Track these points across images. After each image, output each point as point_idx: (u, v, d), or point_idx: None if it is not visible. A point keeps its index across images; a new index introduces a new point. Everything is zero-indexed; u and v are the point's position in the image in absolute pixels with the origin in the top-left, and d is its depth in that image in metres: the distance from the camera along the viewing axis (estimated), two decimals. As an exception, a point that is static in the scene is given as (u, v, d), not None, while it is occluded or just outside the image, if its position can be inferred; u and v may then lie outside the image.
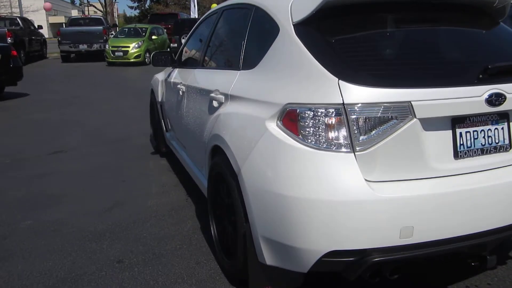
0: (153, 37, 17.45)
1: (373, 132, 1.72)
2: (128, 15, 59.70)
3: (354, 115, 1.70)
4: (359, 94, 1.70)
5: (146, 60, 16.55)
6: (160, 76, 4.57)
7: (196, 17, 22.83)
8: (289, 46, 1.98)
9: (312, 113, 1.75)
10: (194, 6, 23.91)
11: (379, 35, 1.97)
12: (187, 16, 24.14)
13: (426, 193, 1.74)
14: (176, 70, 3.93)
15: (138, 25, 18.46)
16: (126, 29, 18.27)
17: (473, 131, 1.85)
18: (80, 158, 4.76)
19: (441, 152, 1.81)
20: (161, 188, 3.80)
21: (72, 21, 18.85)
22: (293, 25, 2.00)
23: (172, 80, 3.89)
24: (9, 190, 3.84)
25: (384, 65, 1.84)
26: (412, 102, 1.70)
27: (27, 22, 18.21)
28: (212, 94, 2.57)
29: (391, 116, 1.71)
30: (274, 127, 1.87)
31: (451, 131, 1.82)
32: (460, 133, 1.84)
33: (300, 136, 1.78)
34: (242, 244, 2.09)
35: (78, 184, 3.92)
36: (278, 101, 1.88)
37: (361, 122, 1.71)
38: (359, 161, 1.71)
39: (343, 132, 1.71)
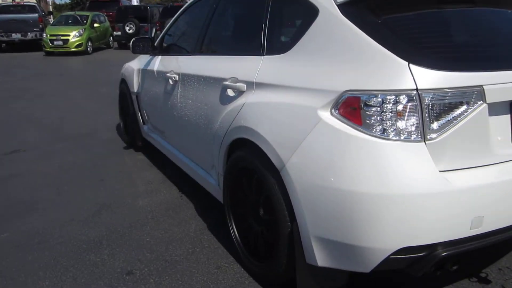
0: (95, 25, 16.43)
1: (445, 119, 1.59)
2: (57, 2, 55.92)
3: (428, 101, 1.55)
4: (432, 79, 1.55)
5: (88, 49, 15.60)
6: (134, 65, 4.19)
7: (138, 3, 21.89)
8: (336, 28, 1.79)
9: (380, 100, 1.58)
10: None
11: (442, 15, 1.83)
12: (129, 2, 23.03)
13: (494, 180, 1.65)
14: (159, 58, 3.60)
15: (78, 13, 17.27)
16: (65, 17, 17.03)
17: None
18: (44, 157, 4.28)
19: (501, 137, 1.73)
20: (148, 186, 3.48)
21: (2, 8, 17.17)
22: (337, 5, 1.81)
23: (155, 69, 3.55)
24: (-31, 197, 3.34)
25: (453, 46, 1.72)
26: (484, 86, 1.60)
27: None
28: (227, 83, 2.33)
29: (463, 101, 1.59)
30: (329, 117, 1.68)
31: (509, 115, 1.74)
32: None
33: (364, 126, 1.61)
34: (285, 246, 1.90)
35: (50, 187, 3.49)
36: (332, 88, 1.69)
37: (433, 108, 1.57)
38: (430, 150, 1.58)
39: (415, 119, 1.57)
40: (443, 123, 1.59)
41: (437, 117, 1.58)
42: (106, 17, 18.47)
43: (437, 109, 1.58)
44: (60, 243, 2.59)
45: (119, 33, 17.37)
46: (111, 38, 18.17)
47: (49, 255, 2.47)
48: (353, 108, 1.63)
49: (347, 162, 1.62)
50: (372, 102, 1.59)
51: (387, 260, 1.61)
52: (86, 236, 2.67)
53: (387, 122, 1.58)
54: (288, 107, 1.84)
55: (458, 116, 1.59)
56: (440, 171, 1.58)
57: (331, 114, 1.68)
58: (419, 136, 1.58)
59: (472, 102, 1.59)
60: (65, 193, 3.37)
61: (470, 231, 1.61)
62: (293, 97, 1.84)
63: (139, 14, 17.21)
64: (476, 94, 1.59)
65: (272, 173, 1.89)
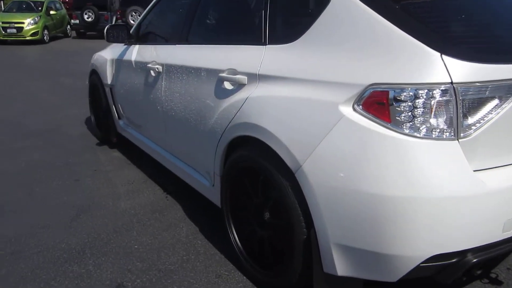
0: (51, 12, 15.57)
1: (477, 115, 1.48)
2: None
3: (463, 96, 1.44)
4: (467, 71, 1.44)
5: (45, 38, 14.78)
6: (106, 54, 3.89)
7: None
8: (353, 15, 1.64)
9: (412, 94, 1.45)
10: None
11: (471, 2, 1.72)
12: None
13: None
14: (136, 47, 3.33)
15: (31, -2, 16.27)
16: (17, 3, 16.00)
17: None
18: (9, 155, 3.92)
19: None
20: (129, 186, 3.23)
21: None
22: None
23: (132, 59, 3.29)
24: None
25: (485, 36, 1.61)
26: (516, 79, 1.50)
27: None
28: (223, 75, 2.14)
29: (496, 96, 1.49)
30: (352, 113, 1.54)
31: None
32: None
33: (393, 123, 1.48)
34: (300, 253, 1.75)
35: (20, 189, 3.17)
36: (355, 81, 1.55)
37: (467, 104, 1.46)
38: (463, 149, 1.47)
39: (448, 116, 1.45)
40: (476, 120, 1.48)
41: (470, 113, 1.48)
42: (62, 4, 17.56)
43: (471, 104, 1.47)
44: (37, 253, 2.33)
45: (77, 21, 16.54)
46: (68, 26, 17.30)
47: (26, 268, 2.21)
48: (381, 103, 1.49)
49: (374, 162, 1.48)
50: (403, 97, 1.46)
51: (417, 268, 1.50)
52: (66, 244, 2.42)
53: (419, 118, 1.46)
54: (303, 103, 1.68)
55: (491, 111, 1.49)
56: (473, 171, 1.48)
57: (354, 110, 1.54)
58: (452, 134, 1.46)
59: (504, 97, 1.50)
60: (37, 195, 3.07)
61: (502, 235, 1.53)
62: (307, 91, 1.68)
63: (97, 2, 16.39)
64: (508, 88, 1.49)
65: (285, 174, 1.74)
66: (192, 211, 2.82)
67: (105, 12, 16.35)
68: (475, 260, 1.52)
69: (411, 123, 1.46)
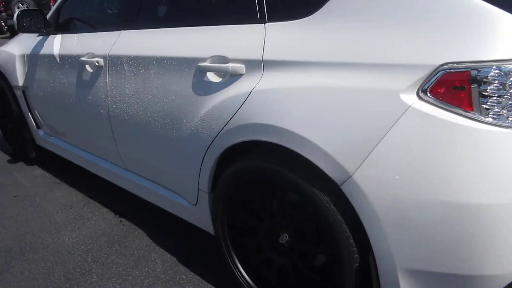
0: None
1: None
2: None
3: (557, 72, 1.16)
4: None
5: None
6: (13, 49, 3.11)
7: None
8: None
9: (500, 73, 1.13)
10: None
11: None
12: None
13: None
14: (59, 37, 2.65)
15: None
16: None
17: None
18: None
19: None
20: (67, 213, 2.58)
21: None
22: None
23: (55, 53, 2.61)
24: None
25: None
26: None
27: None
28: (205, 64, 1.66)
29: None
30: (418, 102, 1.19)
31: None
32: None
33: (476, 111, 1.15)
34: (352, 285, 1.38)
35: None
36: (419, 62, 1.19)
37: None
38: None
39: (540, 98, 1.17)
40: None
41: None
42: None
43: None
44: (-40, 331, 1.67)
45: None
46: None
47: None
48: (459, 87, 1.16)
49: (454, 163, 1.15)
50: (490, 77, 1.14)
51: (507, 286, 1.23)
52: (2, 309, 1.78)
53: (509, 103, 1.15)
54: (346, 93, 1.28)
55: None
56: None
57: (420, 98, 1.19)
58: (543, 120, 1.19)
59: None
60: None
61: None
62: (350, 79, 1.29)
63: (-26, -8, 14.18)
64: None
65: (324, 188, 1.34)
66: (159, 235, 2.29)
67: (-17, 4, 14.23)
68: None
69: (498, 110, 1.15)
